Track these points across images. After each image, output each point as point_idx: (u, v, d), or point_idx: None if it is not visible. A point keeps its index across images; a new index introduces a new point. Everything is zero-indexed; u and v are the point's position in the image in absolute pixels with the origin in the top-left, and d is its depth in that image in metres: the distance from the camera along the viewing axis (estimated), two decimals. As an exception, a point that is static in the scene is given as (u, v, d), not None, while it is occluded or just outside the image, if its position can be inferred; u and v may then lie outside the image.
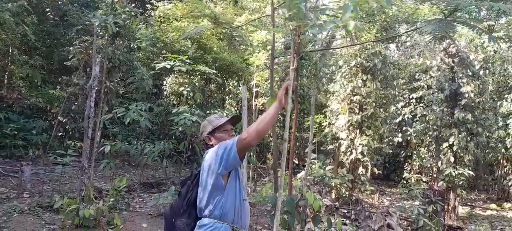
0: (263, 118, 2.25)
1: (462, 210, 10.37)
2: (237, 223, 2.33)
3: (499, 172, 13.44)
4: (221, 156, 2.27)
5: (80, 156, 7.07)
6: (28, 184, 8.39)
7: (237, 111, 16.73)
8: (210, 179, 2.32)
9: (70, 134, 13.94)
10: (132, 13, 10.67)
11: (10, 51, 13.90)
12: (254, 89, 13.95)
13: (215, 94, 15.50)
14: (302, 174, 7.62)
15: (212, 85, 14.78)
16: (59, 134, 14.04)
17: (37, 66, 14.28)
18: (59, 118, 12.95)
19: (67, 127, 13.90)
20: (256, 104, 14.01)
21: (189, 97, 12.23)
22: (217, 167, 2.29)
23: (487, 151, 13.12)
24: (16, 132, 12.45)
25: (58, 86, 14.71)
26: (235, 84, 16.71)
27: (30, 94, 13.97)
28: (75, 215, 5.95)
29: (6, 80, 13.97)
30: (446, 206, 8.67)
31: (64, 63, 12.99)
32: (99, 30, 8.47)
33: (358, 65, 9.87)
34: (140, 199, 8.37)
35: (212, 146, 2.54)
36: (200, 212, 2.41)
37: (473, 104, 9.38)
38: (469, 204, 11.97)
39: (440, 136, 9.70)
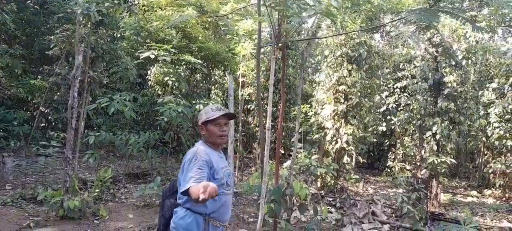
0: (197, 191, 2.08)
1: (444, 197, 10.62)
2: (212, 216, 2.37)
3: (480, 160, 13.80)
4: (182, 169, 2.34)
5: (64, 147, 6.94)
6: (10, 175, 8.22)
7: (223, 102, 16.66)
8: (181, 176, 2.39)
9: (52, 125, 13.67)
10: (116, 1, 10.44)
11: (-12, 39, 13.49)
12: (241, 79, 13.89)
13: (201, 84, 15.40)
14: (288, 163, 7.67)
15: (198, 75, 14.67)
16: (41, 125, 13.77)
17: (17, 56, 13.90)
18: (41, 108, 12.68)
19: (49, 117, 13.62)
20: (243, 95, 13.98)
21: (174, 87, 12.12)
22: (181, 173, 2.38)
23: (468, 139, 13.43)
24: (-4, 123, 12.15)
25: (39, 76, 14.38)
26: (221, 74, 16.63)
27: (10, 84, 13.61)
28: (59, 207, 5.86)
29: (-15, 70, 13.57)
30: (429, 193, 8.86)
31: (46, 52, 12.67)
32: (81, 19, 8.25)
33: (343, 55, 9.92)
34: (126, 190, 8.30)
35: (203, 135, 2.58)
36: (177, 198, 2.49)
37: (455, 93, 9.56)
38: (450, 191, 12.26)
39: (423, 124, 9.87)
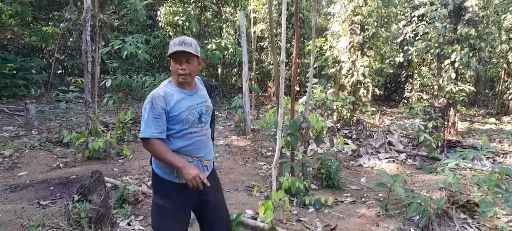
0: (162, 154, 2.20)
1: (461, 125, 10.59)
2: (181, 151, 2.29)
3: (500, 87, 13.50)
4: (144, 109, 2.27)
5: (82, 91, 7.08)
6: (34, 121, 8.51)
7: (236, 40, 16.42)
8: (143, 116, 2.34)
9: (69, 71, 13.86)
10: None
11: (-4, -12, 13.34)
12: (252, 15, 13.57)
13: (212, 23, 15.13)
14: (304, 99, 7.67)
15: (208, 13, 14.36)
16: (59, 72, 13.97)
17: (26, 3, 13.80)
18: (55, 55, 12.81)
19: (65, 64, 13.78)
20: (255, 31, 13.72)
21: (185, 27, 11.95)
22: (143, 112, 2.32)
23: (488, 66, 13.06)
24: (14, 72, 12.38)
25: (50, 23, 14.33)
26: (232, 11, 16.23)
27: (22, 33, 13.66)
28: (85, 148, 6.12)
29: (-4, 19, 13.58)
30: (446, 122, 8.83)
31: (54, -4, 12.53)
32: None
33: (359, -16, 9.50)
34: (146, 131, 8.51)
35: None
36: None
37: (477, 18, 9.16)
38: (468, 119, 12.18)
39: (442, 53, 9.60)
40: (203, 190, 2.29)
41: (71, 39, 13.74)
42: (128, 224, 3.76)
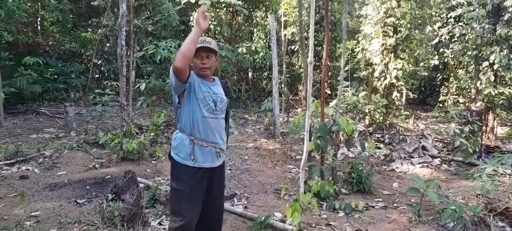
0: (185, 41, 2.41)
1: (501, 131, 10.12)
2: (197, 136, 2.58)
3: (544, 90, 12.79)
4: (170, 79, 2.55)
5: (118, 95, 7.35)
6: (73, 123, 8.91)
7: (266, 44, 16.47)
8: (174, 97, 2.70)
9: (106, 75, 14.37)
10: None
11: (39, -4, 14.08)
12: (283, 19, 13.59)
13: (243, 27, 15.26)
14: (335, 102, 7.60)
15: (239, 17, 14.51)
16: (96, 76, 14.52)
17: (66, 11, 14.47)
18: (93, 60, 13.35)
19: (102, 68, 14.32)
20: (285, 35, 13.74)
21: (216, 31, 12.12)
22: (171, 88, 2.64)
23: (531, 68, 12.40)
24: (56, 76, 13.00)
25: (89, 29, 14.94)
26: (263, 15, 16.32)
27: (63, 39, 14.34)
28: (119, 149, 6.33)
29: (39, 26, 14.31)
30: (484, 127, 8.48)
31: (91, 3, 13.07)
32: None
33: (392, -15, 9.31)
34: (178, 133, 8.70)
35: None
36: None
37: (517, 18, 8.76)
38: (509, 124, 11.63)
39: (480, 55, 9.23)
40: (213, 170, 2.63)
41: (108, 45, 14.28)
42: (159, 223, 3.86)
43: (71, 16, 14.93)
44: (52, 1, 13.82)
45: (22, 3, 11.06)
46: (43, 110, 11.16)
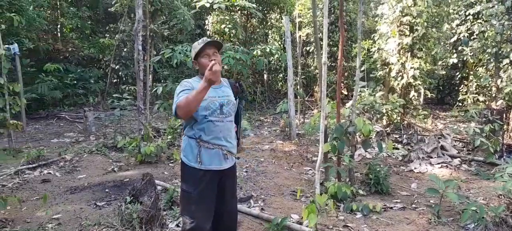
0: (192, 93, 2.31)
1: (524, 129, 9.85)
2: (203, 138, 2.55)
3: None
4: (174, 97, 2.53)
5: (135, 99, 7.47)
6: (92, 127, 9.10)
7: (281, 45, 16.47)
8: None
9: (123, 80, 14.62)
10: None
11: (58, 4, 14.44)
12: (297, 20, 13.57)
13: (258, 30, 15.30)
14: (351, 103, 7.54)
15: (254, 20, 14.55)
16: (114, 81, 14.78)
17: (85, 17, 14.79)
18: (111, 65, 13.60)
19: (120, 73, 14.57)
20: (300, 36, 13.70)
21: (231, 35, 12.19)
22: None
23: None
24: (75, 82, 13.30)
25: (107, 35, 15.23)
26: (277, 17, 16.32)
27: (82, 45, 14.66)
28: (137, 153, 6.44)
29: (59, 33, 14.68)
30: (505, 126, 8.27)
31: (108, 9, 13.31)
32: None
33: (407, -18, 9.18)
34: (194, 136, 8.78)
35: (198, 70, 2.72)
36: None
37: (539, 14, 8.54)
38: (532, 122, 11.30)
39: (500, 52, 9.02)
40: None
41: (125, 50, 14.54)
42: (177, 225, 3.90)
43: (89, 22, 15.26)
44: (71, 8, 14.16)
45: (42, 11, 11.37)
46: (63, 115, 11.44)
